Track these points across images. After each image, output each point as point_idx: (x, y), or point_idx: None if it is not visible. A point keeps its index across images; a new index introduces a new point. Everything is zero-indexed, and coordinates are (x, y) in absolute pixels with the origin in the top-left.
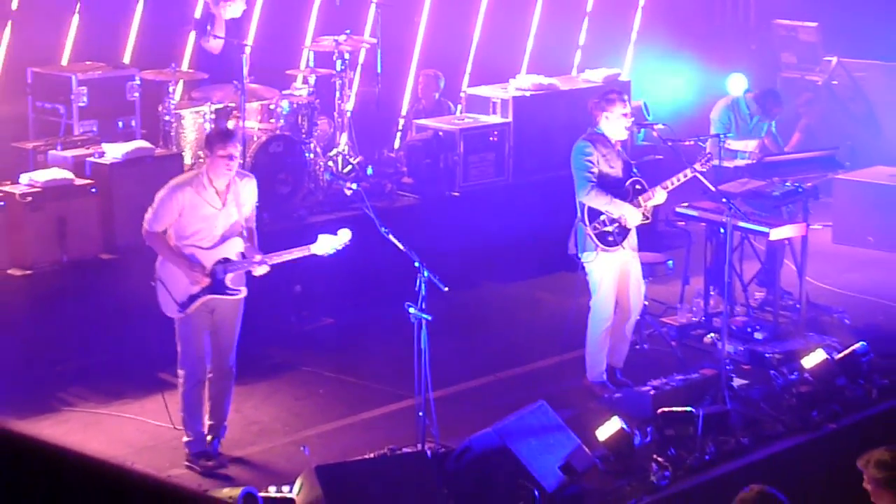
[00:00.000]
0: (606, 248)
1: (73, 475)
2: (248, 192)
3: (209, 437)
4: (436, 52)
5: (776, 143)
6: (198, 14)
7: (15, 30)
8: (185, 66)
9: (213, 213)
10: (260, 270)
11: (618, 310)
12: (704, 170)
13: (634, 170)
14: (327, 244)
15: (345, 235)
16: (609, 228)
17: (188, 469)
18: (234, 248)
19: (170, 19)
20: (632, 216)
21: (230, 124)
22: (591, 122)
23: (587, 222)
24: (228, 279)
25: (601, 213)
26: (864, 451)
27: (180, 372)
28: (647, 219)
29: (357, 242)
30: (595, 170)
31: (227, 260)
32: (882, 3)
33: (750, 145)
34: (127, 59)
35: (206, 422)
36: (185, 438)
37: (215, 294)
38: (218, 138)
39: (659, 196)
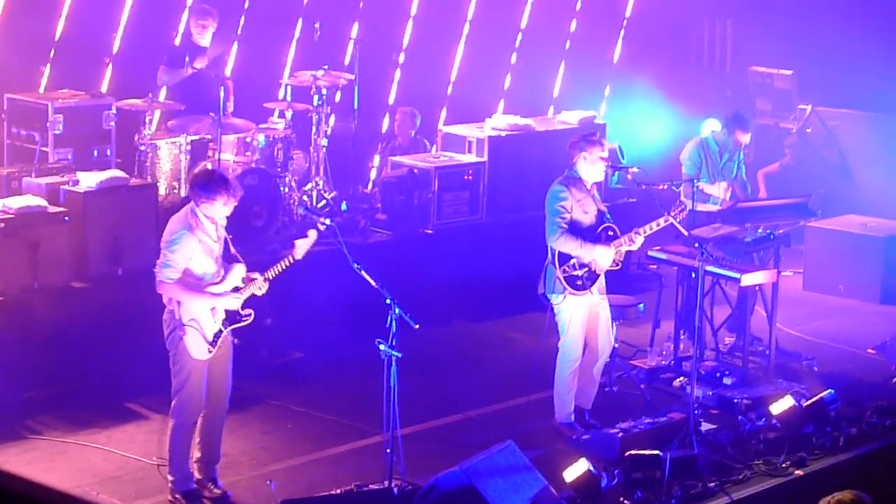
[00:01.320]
0: (574, 291)
1: None
2: (223, 222)
3: (199, 476)
4: (413, 90)
5: (744, 189)
6: (177, 43)
7: None
8: (162, 97)
9: (212, 248)
10: (263, 289)
11: (587, 352)
12: (678, 219)
13: (607, 216)
14: (303, 247)
15: (312, 235)
16: (578, 272)
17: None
18: (240, 274)
19: (148, 49)
20: (603, 258)
21: (208, 165)
22: (568, 164)
23: (557, 265)
24: (239, 307)
25: (571, 257)
26: None
27: (178, 414)
28: (618, 265)
29: (329, 277)
30: (567, 216)
31: (237, 289)
32: (856, 53)
33: (721, 189)
34: (104, 89)
35: (195, 463)
36: (171, 478)
37: (235, 324)
38: (222, 189)
39: (636, 241)
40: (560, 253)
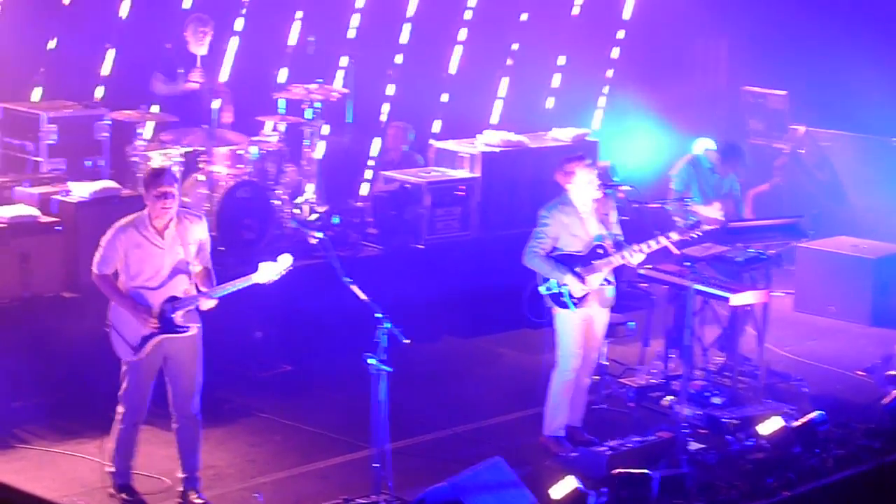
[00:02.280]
0: (559, 308)
1: None
2: (196, 233)
3: (181, 488)
4: (406, 105)
5: (738, 206)
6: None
7: None
8: (155, 108)
9: (158, 253)
10: (207, 304)
11: (582, 364)
12: (673, 240)
13: (604, 232)
14: (269, 272)
15: (285, 261)
16: (562, 290)
17: (111, 498)
18: (181, 285)
19: (142, 60)
20: (574, 286)
21: (159, 163)
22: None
23: (540, 282)
24: (178, 317)
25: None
26: None
27: (120, 409)
28: (610, 283)
29: (319, 291)
30: (546, 241)
31: (174, 298)
32: (850, 75)
33: (715, 210)
34: (97, 99)
35: (180, 475)
36: (109, 469)
37: (166, 333)
38: (151, 178)
39: (634, 258)
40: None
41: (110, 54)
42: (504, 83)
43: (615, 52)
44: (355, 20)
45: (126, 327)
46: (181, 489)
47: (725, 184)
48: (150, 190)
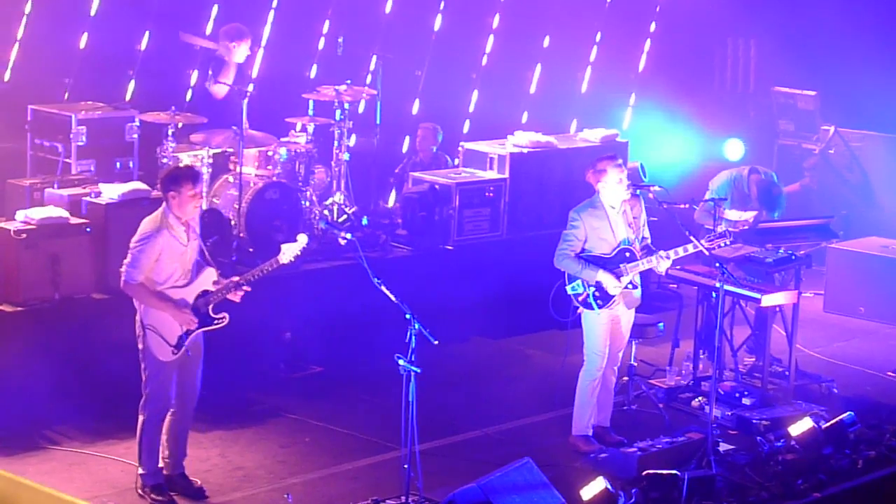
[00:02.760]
0: (585, 309)
1: None
2: (198, 224)
3: (168, 472)
4: (435, 106)
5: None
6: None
7: (17, 67)
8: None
9: (183, 251)
10: (238, 294)
11: (607, 365)
12: (714, 247)
13: (632, 235)
14: (290, 252)
15: (302, 239)
16: (588, 291)
17: (140, 498)
18: (210, 278)
19: (172, 62)
20: (609, 283)
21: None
22: (591, 189)
23: (567, 282)
24: (210, 310)
25: (578, 276)
26: None
27: (147, 409)
28: (636, 287)
29: (349, 292)
30: (576, 243)
31: (206, 292)
32: (880, 75)
33: (746, 215)
34: (127, 100)
35: (166, 457)
36: (141, 471)
37: (204, 327)
38: (187, 178)
39: (661, 265)
40: (568, 273)
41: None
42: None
43: (644, 54)
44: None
45: (166, 328)
46: (168, 474)
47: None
48: (184, 189)
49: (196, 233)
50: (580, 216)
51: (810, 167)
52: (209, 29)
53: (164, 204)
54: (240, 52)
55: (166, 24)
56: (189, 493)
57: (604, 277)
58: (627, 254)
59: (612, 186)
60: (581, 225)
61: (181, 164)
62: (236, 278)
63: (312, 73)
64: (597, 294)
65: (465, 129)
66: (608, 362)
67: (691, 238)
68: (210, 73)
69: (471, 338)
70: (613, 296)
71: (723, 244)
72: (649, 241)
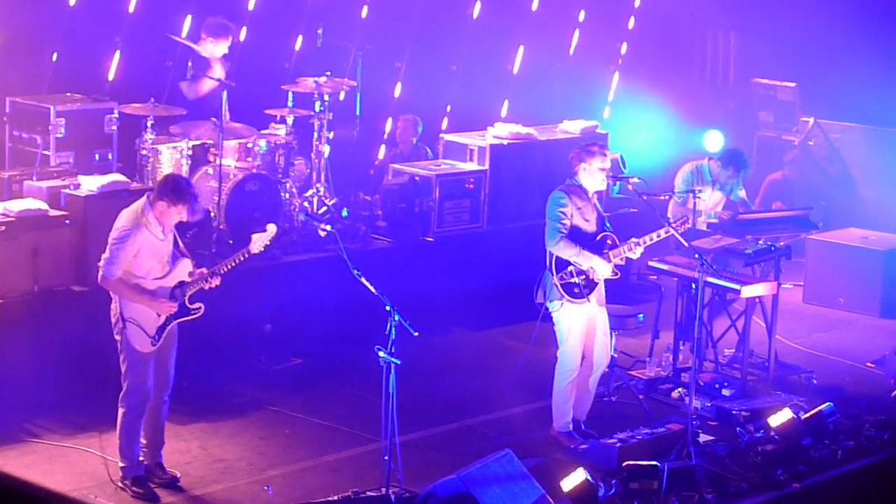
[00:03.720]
0: (572, 299)
1: None
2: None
3: (147, 462)
4: (415, 98)
5: (747, 209)
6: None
7: None
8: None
9: (160, 245)
10: (212, 283)
11: (583, 362)
12: (680, 231)
13: (607, 224)
14: (260, 242)
15: (271, 229)
16: (576, 280)
17: (120, 490)
18: (186, 269)
19: (151, 54)
20: (601, 268)
21: (170, 163)
22: (570, 173)
23: (554, 272)
24: (187, 300)
25: (569, 265)
26: None
27: (127, 401)
28: (617, 275)
29: (329, 284)
30: (567, 221)
31: (182, 283)
32: (860, 67)
33: (714, 198)
34: (106, 93)
35: (143, 447)
36: (122, 464)
37: (181, 317)
38: (188, 199)
39: (635, 252)
40: (557, 260)
41: (119, 48)
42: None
43: (624, 45)
44: (364, 12)
45: (145, 320)
46: (147, 464)
47: (725, 191)
48: (176, 209)
49: (171, 226)
50: (567, 194)
51: (790, 160)
52: (188, 22)
53: (145, 199)
54: (221, 47)
55: (146, 14)
56: (167, 483)
57: (597, 263)
58: (609, 241)
59: (593, 173)
60: (569, 203)
61: (180, 176)
62: (205, 270)
63: (292, 65)
64: (583, 282)
65: (445, 121)
66: (587, 363)
67: (666, 224)
68: (190, 65)
69: (451, 329)
70: (596, 284)
71: (686, 223)
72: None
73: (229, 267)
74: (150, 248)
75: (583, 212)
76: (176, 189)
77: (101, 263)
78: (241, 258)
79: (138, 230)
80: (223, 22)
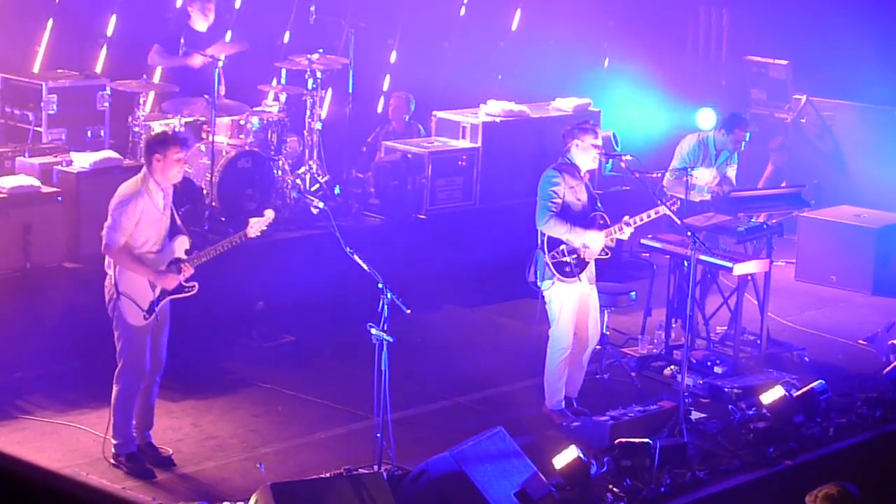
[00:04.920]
0: (563, 278)
1: (25, 486)
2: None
3: (138, 441)
4: (408, 75)
5: (729, 185)
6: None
7: None
8: (156, 79)
9: (159, 217)
10: (204, 259)
11: (575, 340)
12: (672, 209)
13: (598, 204)
14: (258, 227)
15: (269, 214)
16: (567, 259)
17: (113, 467)
18: (183, 246)
19: (143, 30)
20: (594, 242)
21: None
22: (562, 151)
23: (546, 251)
24: (184, 277)
25: (560, 243)
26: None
27: (122, 380)
28: (608, 254)
29: (321, 261)
30: (558, 200)
31: (178, 259)
32: (852, 45)
33: (709, 175)
34: (99, 69)
35: (142, 438)
36: (115, 441)
37: (176, 294)
38: (175, 141)
39: (625, 231)
40: (549, 239)
41: (111, 24)
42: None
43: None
44: None
45: (139, 293)
46: (138, 443)
47: (727, 166)
48: (170, 153)
49: (170, 200)
50: (559, 172)
51: (776, 147)
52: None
53: (143, 169)
54: (202, 17)
55: None
56: (159, 461)
57: (590, 237)
58: (601, 220)
59: (586, 150)
60: (561, 182)
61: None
62: (199, 253)
63: (284, 42)
64: (575, 261)
65: (437, 98)
66: (579, 341)
67: (659, 203)
68: (182, 41)
69: (443, 307)
70: (587, 263)
71: (676, 203)
72: None
73: (224, 248)
74: (150, 218)
75: (575, 190)
76: (158, 138)
77: (103, 232)
78: (237, 241)
79: (139, 196)
80: None
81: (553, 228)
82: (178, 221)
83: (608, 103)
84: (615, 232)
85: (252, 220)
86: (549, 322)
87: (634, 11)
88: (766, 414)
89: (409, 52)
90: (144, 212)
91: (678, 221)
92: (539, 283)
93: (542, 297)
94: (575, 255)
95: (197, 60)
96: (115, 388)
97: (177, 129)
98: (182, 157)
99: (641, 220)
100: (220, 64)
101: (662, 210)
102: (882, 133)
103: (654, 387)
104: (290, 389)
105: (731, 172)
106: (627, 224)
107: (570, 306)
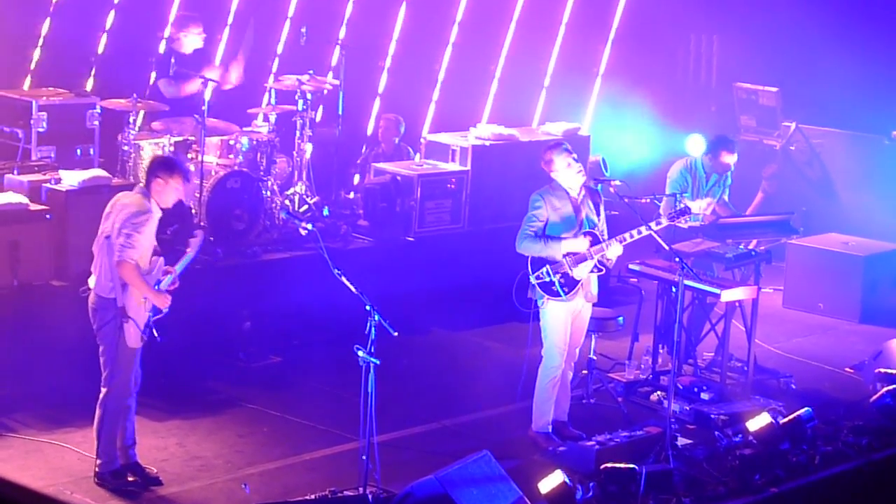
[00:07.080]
0: (551, 297)
1: None
2: None
3: (122, 461)
4: (398, 97)
5: (727, 209)
6: (161, 50)
7: None
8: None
9: (152, 237)
10: (175, 285)
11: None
12: (658, 229)
13: (586, 225)
14: (195, 245)
15: (199, 234)
16: (552, 279)
17: (98, 486)
18: (161, 266)
19: (133, 50)
20: (573, 247)
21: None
22: (547, 177)
23: (531, 272)
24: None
25: (544, 263)
26: None
27: (112, 399)
28: (601, 270)
29: (309, 282)
30: (537, 224)
31: (158, 281)
32: (841, 72)
33: (703, 204)
34: (89, 88)
35: (127, 458)
36: (100, 461)
37: (157, 315)
38: (179, 171)
39: (613, 248)
40: (533, 260)
41: (102, 43)
42: (497, 77)
43: (607, 49)
44: (348, 11)
45: (139, 315)
46: (122, 463)
47: (718, 190)
48: (172, 181)
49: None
50: (542, 196)
51: (769, 175)
52: (172, 15)
53: (142, 187)
54: (190, 40)
55: (129, 11)
56: (145, 480)
57: (569, 244)
58: (588, 237)
59: (563, 172)
60: (543, 205)
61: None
62: (171, 269)
63: (274, 63)
64: (562, 281)
65: (427, 121)
66: (567, 358)
67: (646, 225)
68: (173, 61)
69: (430, 330)
70: (579, 281)
71: (683, 221)
72: (605, 235)
73: (186, 263)
74: (150, 237)
75: (560, 212)
76: (166, 162)
77: (118, 249)
78: (192, 253)
79: (151, 214)
80: (185, 13)
81: (528, 249)
82: (154, 242)
83: (598, 128)
84: (605, 248)
85: (197, 232)
86: (539, 344)
87: (625, 37)
88: (752, 441)
89: (400, 75)
90: (149, 231)
91: (665, 246)
92: (536, 300)
93: (537, 316)
94: (560, 275)
95: (195, 86)
96: (100, 411)
97: (167, 149)
98: (181, 189)
99: (631, 237)
100: (212, 85)
101: (645, 231)
102: (871, 161)
103: (641, 412)
104: (275, 410)
105: (725, 197)
106: (615, 241)
107: (560, 324)
